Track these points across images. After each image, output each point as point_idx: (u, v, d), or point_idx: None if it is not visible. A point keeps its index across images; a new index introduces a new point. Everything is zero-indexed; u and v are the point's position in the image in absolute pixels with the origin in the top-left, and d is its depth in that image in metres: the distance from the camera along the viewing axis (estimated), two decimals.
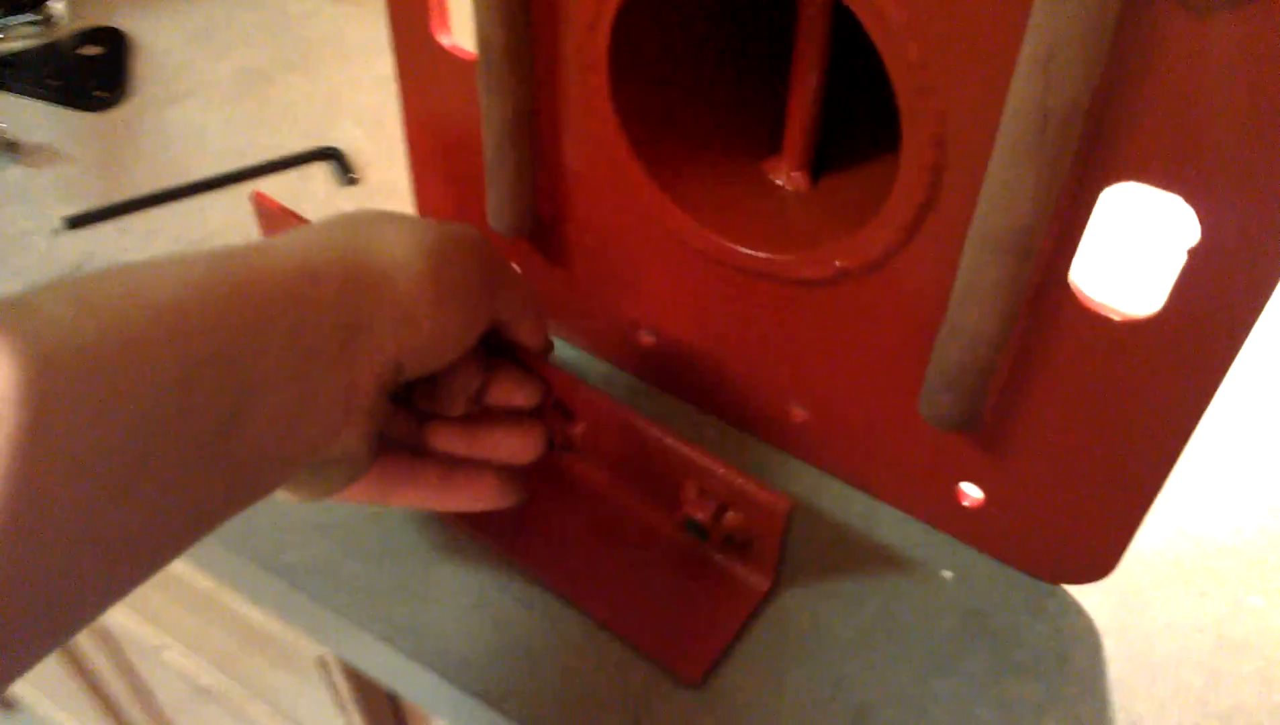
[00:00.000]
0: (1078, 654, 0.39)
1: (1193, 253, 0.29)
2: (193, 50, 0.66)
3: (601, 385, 0.46)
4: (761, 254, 0.38)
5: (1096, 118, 0.28)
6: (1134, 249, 0.52)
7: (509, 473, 0.38)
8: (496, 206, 0.43)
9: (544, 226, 0.44)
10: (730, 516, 0.38)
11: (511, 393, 0.39)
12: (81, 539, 0.24)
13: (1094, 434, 0.35)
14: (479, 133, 0.42)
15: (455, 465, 0.38)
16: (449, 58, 0.41)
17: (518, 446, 0.38)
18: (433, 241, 0.34)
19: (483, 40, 0.37)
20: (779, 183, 0.41)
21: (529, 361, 0.39)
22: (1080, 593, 0.41)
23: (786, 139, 0.40)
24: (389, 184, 0.57)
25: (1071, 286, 0.32)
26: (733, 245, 0.38)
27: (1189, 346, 0.31)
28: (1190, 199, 0.28)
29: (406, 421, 0.38)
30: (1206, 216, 0.28)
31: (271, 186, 0.57)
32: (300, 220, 0.42)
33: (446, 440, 0.38)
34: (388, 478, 0.36)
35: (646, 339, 0.45)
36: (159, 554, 0.27)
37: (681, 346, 0.44)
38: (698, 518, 0.38)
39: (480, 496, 0.38)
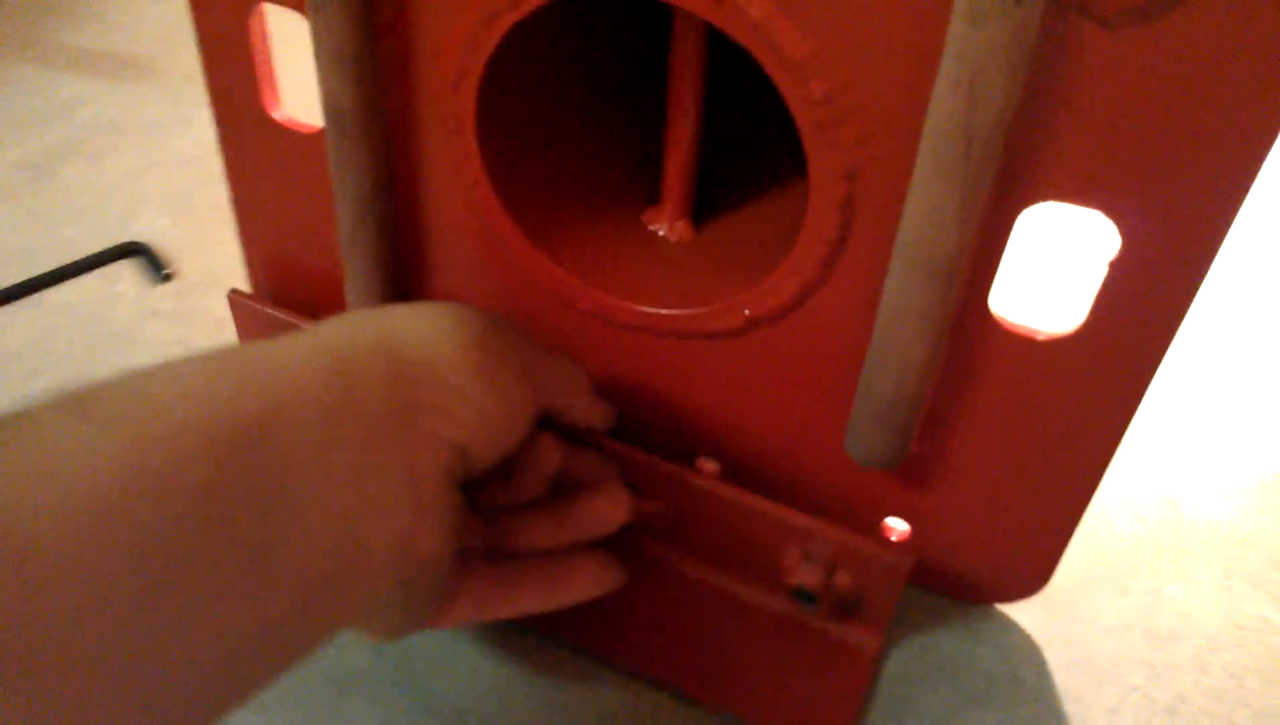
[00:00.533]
0: (1025, 672, 0.38)
1: (1114, 265, 0.29)
2: None
3: None
4: (662, 310, 0.36)
5: (1015, 138, 0.27)
6: (1040, 267, 0.53)
7: (604, 550, 0.35)
8: (356, 287, 0.38)
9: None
10: (840, 577, 0.35)
11: (591, 468, 0.36)
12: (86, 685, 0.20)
13: (1022, 453, 0.34)
14: (325, 210, 0.38)
15: (552, 556, 0.34)
16: (285, 133, 0.37)
17: (607, 510, 0.35)
18: (468, 323, 0.30)
19: (332, 109, 0.33)
20: (661, 233, 0.39)
21: (595, 442, 0.36)
22: (1012, 609, 0.40)
23: (666, 188, 0.38)
24: (211, 274, 0.51)
25: (991, 310, 0.31)
26: (628, 304, 0.36)
27: (1114, 357, 0.31)
28: (1111, 214, 0.28)
29: (478, 525, 0.33)
30: (1127, 230, 0.28)
31: (71, 294, 0.50)
32: (296, 322, 0.39)
33: (534, 528, 0.34)
34: (485, 588, 0.32)
35: None
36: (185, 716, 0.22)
37: None
38: (807, 585, 0.35)
39: (591, 581, 0.35)
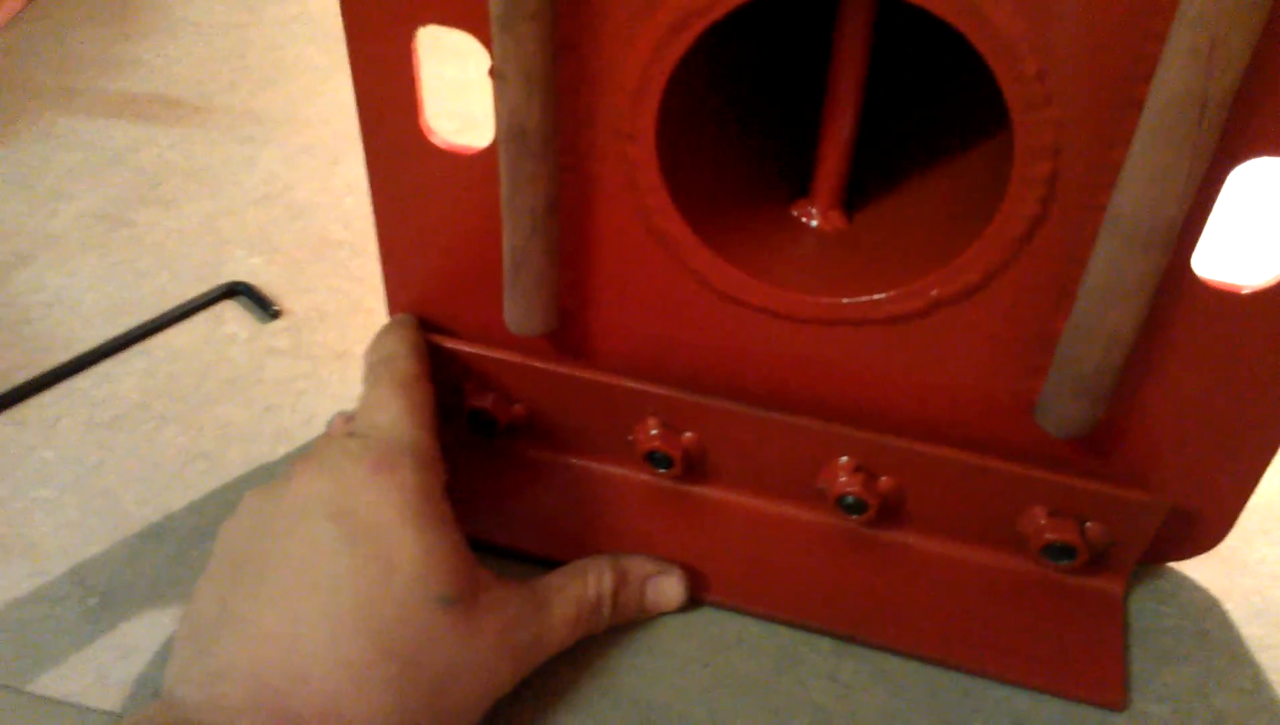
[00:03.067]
0: (1211, 626, 0.39)
1: None
2: (13, 205, 0.57)
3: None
4: (841, 300, 0.36)
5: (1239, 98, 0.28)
6: (1236, 222, 0.53)
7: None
8: (521, 307, 0.38)
9: (566, 320, 0.40)
10: (1092, 528, 0.36)
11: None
12: None
13: (1214, 410, 0.35)
14: (482, 233, 0.37)
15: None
16: (444, 156, 0.37)
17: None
18: (365, 628, 0.30)
19: (514, 128, 0.33)
20: (815, 224, 0.39)
21: None
22: (1183, 565, 0.41)
23: (820, 178, 0.39)
24: (318, 309, 0.51)
25: (1194, 270, 0.32)
26: (803, 296, 0.36)
27: None
28: None
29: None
30: None
31: (182, 339, 0.49)
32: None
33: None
34: None
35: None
36: None
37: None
38: (1064, 540, 0.36)
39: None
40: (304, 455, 0.34)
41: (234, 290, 0.51)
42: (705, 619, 0.39)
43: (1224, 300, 0.32)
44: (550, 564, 0.37)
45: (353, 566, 0.30)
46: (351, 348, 0.49)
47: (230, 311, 0.51)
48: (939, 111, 0.40)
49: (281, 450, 0.45)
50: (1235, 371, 0.34)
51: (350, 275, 0.53)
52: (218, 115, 0.63)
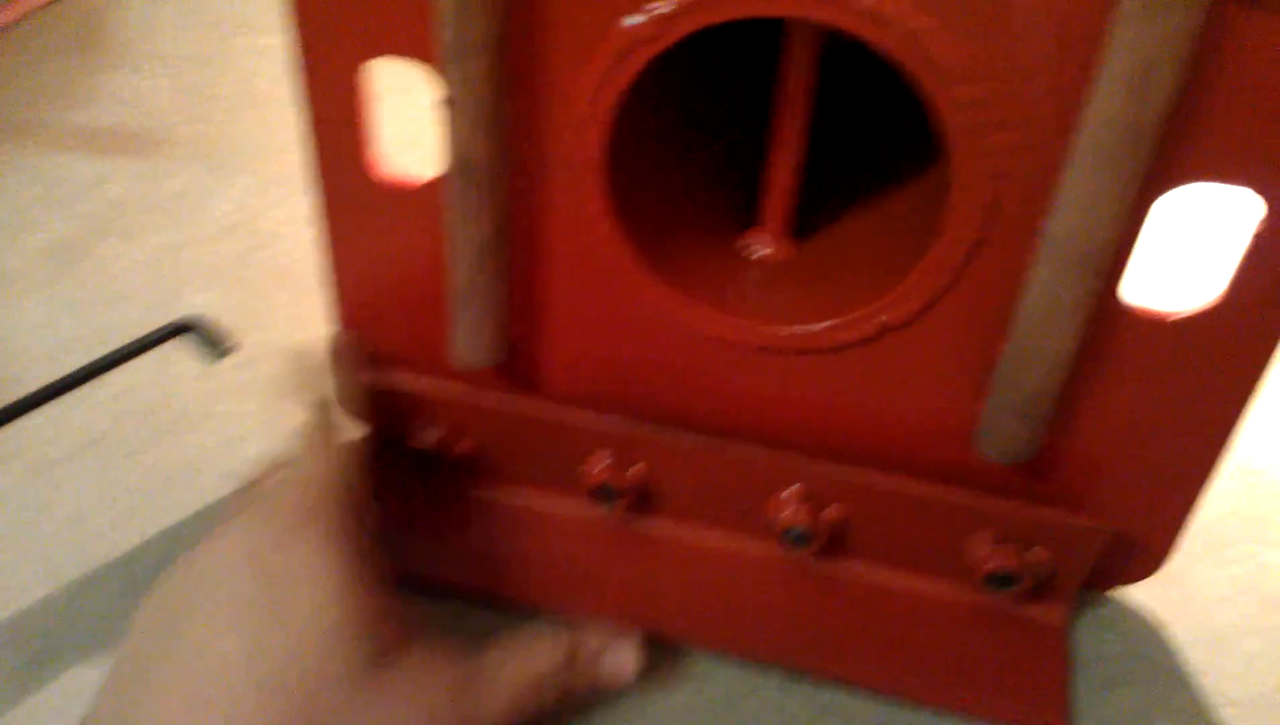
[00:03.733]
0: (1154, 652, 0.40)
1: (1259, 236, 0.30)
2: None
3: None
4: (792, 328, 0.36)
5: (1168, 125, 0.29)
6: (1164, 250, 0.54)
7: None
8: (469, 337, 0.38)
9: (514, 351, 0.40)
10: (1035, 554, 0.37)
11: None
12: None
13: (1149, 435, 0.36)
14: (430, 264, 0.38)
15: None
16: (392, 188, 0.37)
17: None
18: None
19: (462, 160, 0.34)
20: (764, 254, 0.40)
21: None
22: (1126, 591, 0.41)
23: (769, 209, 0.39)
24: (273, 344, 0.51)
25: (1121, 296, 0.33)
26: (755, 325, 0.37)
27: (1248, 329, 0.32)
28: (1258, 187, 0.29)
29: None
30: (1274, 200, 0.30)
31: (132, 377, 0.49)
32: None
33: None
34: None
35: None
36: None
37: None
38: (1006, 568, 0.36)
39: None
40: (227, 511, 0.33)
41: (185, 327, 0.51)
42: (652, 653, 0.39)
43: (1152, 327, 0.33)
44: (496, 602, 0.37)
45: (257, 641, 0.29)
46: None
47: (181, 348, 0.50)
48: (887, 139, 0.41)
49: (230, 488, 0.44)
50: (1167, 397, 0.35)
51: (308, 310, 0.53)
52: (185, 147, 0.63)
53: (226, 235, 0.57)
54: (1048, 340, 0.32)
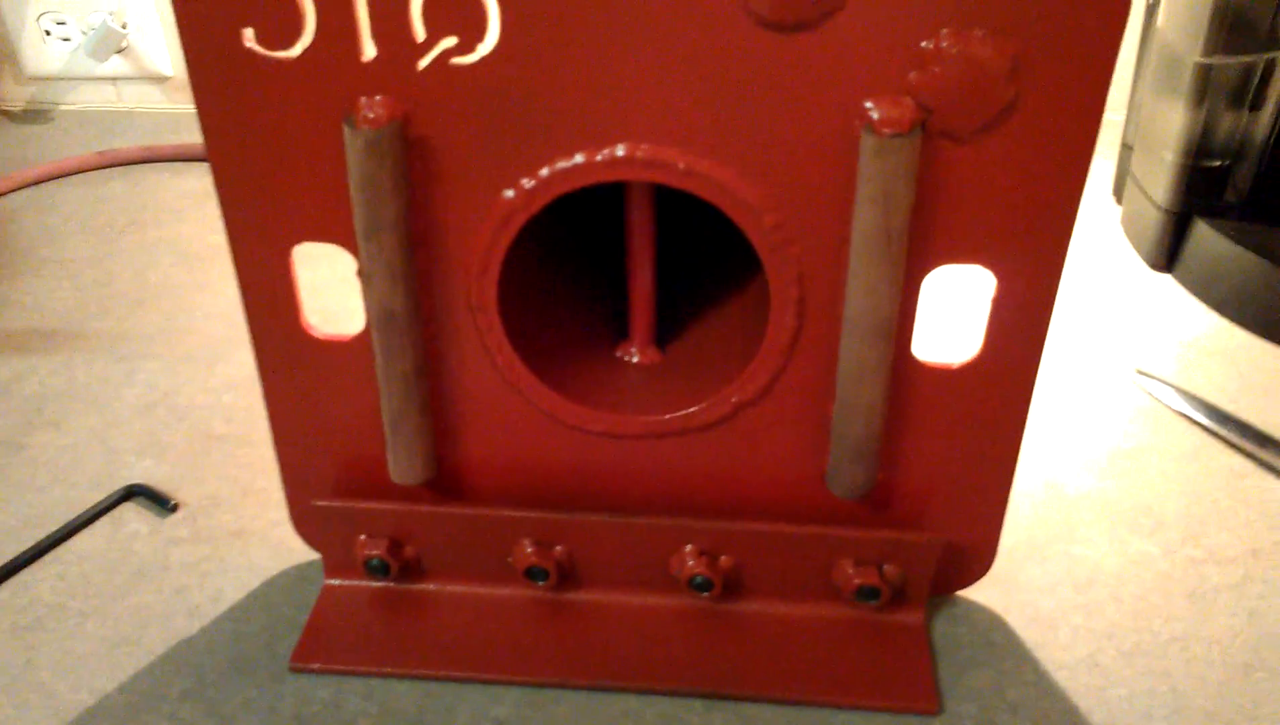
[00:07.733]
0: (998, 637, 0.48)
1: (995, 302, 0.41)
2: None
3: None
4: (665, 416, 0.45)
5: (916, 227, 0.39)
6: (940, 316, 0.65)
7: None
8: (402, 460, 0.46)
9: (442, 466, 0.47)
10: (889, 569, 0.46)
11: None
12: None
13: (954, 463, 0.45)
14: (364, 403, 0.45)
15: None
16: (323, 345, 0.45)
17: None
18: None
19: (383, 312, 0.41)
20: (635, 361, 0.49)
21: None
22: (969, 592, 0.50)
23: (634, 325, 0.48)
24: (212, 497, 0.56)
25: (914, 354, 0.43)
26: (635, 417, 0.45)
27: (1004, 372, 0.42)
28: (990, 265, 0.40)
29: None
30: (1002, 274, 0.40)
31: (89, 542, 0.54)
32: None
33: None
34: None
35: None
36: None
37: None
38: (869, 583, 0.45)
39: None
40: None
41: (132, 492, 0.56)
42: (593, 701, 0.46)
43: (942, 377, 0.43)
44: (454, 679, 0.43)
45: None
46: (248, 526, 0.55)
47: (131, 511, 0.56)
48: (728, 255, 0.51)
49: (197, 625, 0.49)
50: (963, 430, 0.44)
51: (239, 463, 0.59)
52: (93, 339, 0.69)
53: (147, 413, 0.62)
54: (863, 395, 0.42)
